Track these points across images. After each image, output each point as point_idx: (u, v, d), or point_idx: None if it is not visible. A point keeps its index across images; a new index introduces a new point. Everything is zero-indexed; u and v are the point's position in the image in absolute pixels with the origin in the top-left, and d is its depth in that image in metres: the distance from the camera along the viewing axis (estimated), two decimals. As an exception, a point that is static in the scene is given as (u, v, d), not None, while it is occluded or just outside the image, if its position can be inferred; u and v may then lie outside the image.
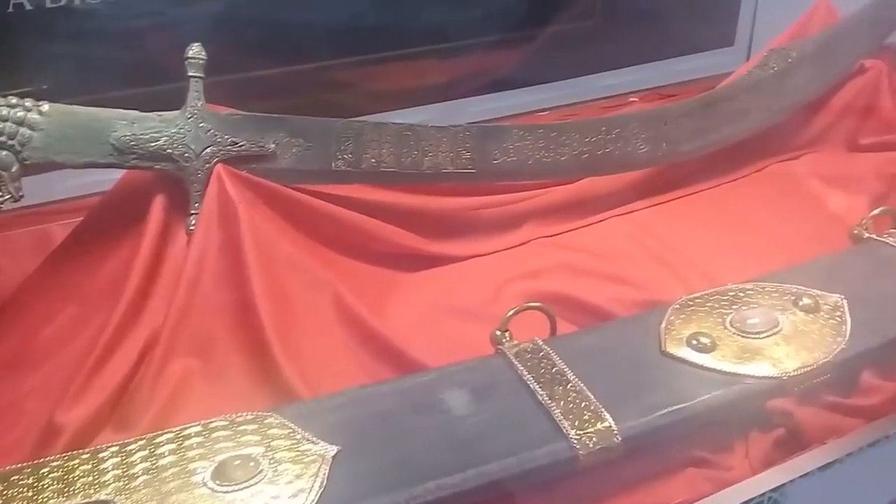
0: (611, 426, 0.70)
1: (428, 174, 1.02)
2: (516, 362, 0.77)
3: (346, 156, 0.97)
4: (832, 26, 1.31)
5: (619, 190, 1.18)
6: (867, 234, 1.00)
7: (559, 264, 1.04)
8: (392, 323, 0.91)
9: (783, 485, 0.66)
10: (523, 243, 1.09)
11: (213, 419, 0.71)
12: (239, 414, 0.71)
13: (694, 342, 0.80)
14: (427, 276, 1.02)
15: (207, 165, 0.89)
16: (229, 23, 1.18)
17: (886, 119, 1.31)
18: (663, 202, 1.20)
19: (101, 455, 0.67)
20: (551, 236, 1.11)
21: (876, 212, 1.01)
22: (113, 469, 0.66)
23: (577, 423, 0.70)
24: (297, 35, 1.25)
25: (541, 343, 0.80)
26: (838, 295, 0.86)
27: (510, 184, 1.11)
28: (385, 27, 1.32)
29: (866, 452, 0.70)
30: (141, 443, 0.68)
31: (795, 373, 0.77)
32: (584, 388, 0.74)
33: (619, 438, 0.70)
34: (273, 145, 0.93)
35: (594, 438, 0.69)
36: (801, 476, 0.66)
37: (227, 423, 0.70)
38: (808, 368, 0.77)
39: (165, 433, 0.69)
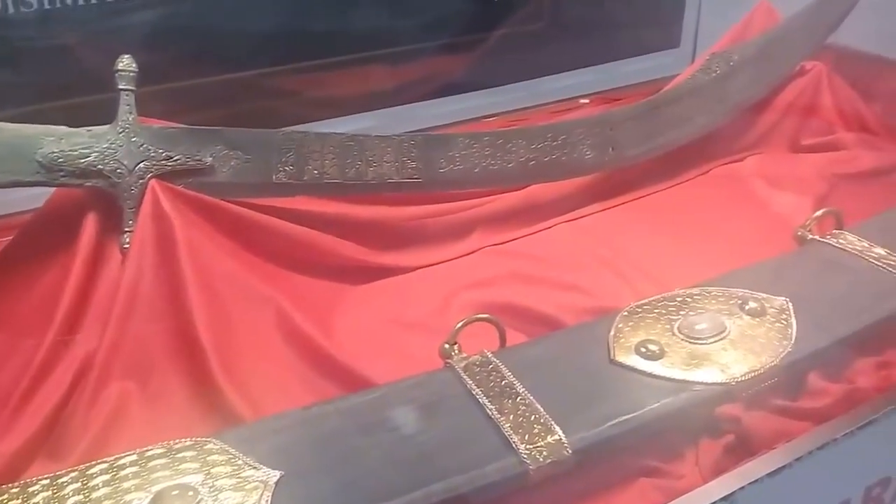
0: (561, 439, 0.69)
1: (373, 185, 1.00)
2: (465, 376, 0.76)
3: (287, 168, 0.94)
4: (772, 29, 1.33)
5: (567, 196, 1.18)
6: (811, 236, 1.00)
7: (508, 273, 1.03)
8: (338, 338, 0.89)
9: (733, 493, 0.65)
10: (472, 252, 1.08)
11: (149, 447, 0.68)
12: (177, 440, 0.68)
13: (642, 350, 0.80)
14: (374, 289, 1.00)
15: (141, 181, 0.86)
16: (165, 31, 1.15)
17: (827, 120, 1.33)
18: (611, 207, 1.20)
19: (31, 489, 0.64)
20: (500, 244, 1.10)
21: (819, 213, 1.02)
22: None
23: (526, 437, 0.69)
24: (238, 42, 1.22)
25: (490, 355, 0.79)
26: (784, 298, 0.87)
27: (458, 192, 1.10)
28: (331, 32, 1.30)
29: (815, 456, 0.69)
30: (73, 475, 0.65)
31: (743, 378, 0.77)
32: (534, 400, 0.73)
33: (570, 451, 0.69)
34: (210, 159, 0.90)
35: (544, 452, 0.68)
36: (750, 483, 0.66)
37: (165, 450, 0.67)
38: (756, 373, 0.77)
39: (99, 463, 0.66)
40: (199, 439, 0.68)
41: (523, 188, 1.14)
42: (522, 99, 1.48)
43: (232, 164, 0.92)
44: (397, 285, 1.02)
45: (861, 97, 1.40)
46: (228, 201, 0.91)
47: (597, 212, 1.18)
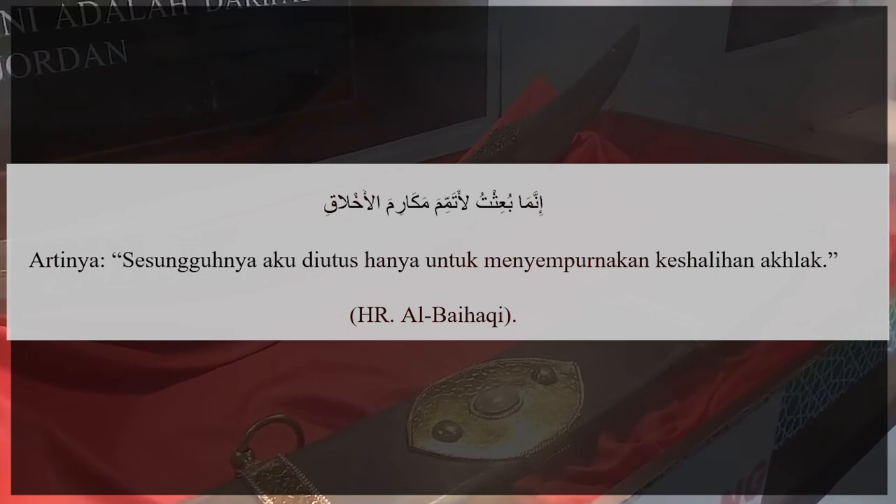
0: (357, 544, 0.67)
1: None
2: (256, 486, 0.72)
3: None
4: (549, 103, 1.41)
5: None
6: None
7: (309, 362, 1.00)
8: (123, 460, 0.82)
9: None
10: (271, 344, 1.05)
11: None
12: None
13: (440, 432, 0.79)
14: (165, 397, 0.94)
15: None
16: None
17: (603, 184, 1.42)
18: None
19: None
20: (300, 331, 1.07)
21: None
22: None
23: (322, 548, 0.66)
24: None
25: (284, 459, 0.75)
26: (572, 362, 0.89)
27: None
28: (130, 120, 1.25)
29: (608, 522, 0.71)
30: None
31: (537, 448, 0.77)
32: (330, 504, 0.70)
33: (368, 555, 0.66)
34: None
35: (341, 561, 0.65)
36: (547, 560, 0.66)
37: None
38: (549, 442, 0.78)
39: None
40: None
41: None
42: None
43: (-14, 280, 0.84)
44: (191, 389, 0.96)
45: (636, 159, 1.51)
46: (-20, 319, 0.83)
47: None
